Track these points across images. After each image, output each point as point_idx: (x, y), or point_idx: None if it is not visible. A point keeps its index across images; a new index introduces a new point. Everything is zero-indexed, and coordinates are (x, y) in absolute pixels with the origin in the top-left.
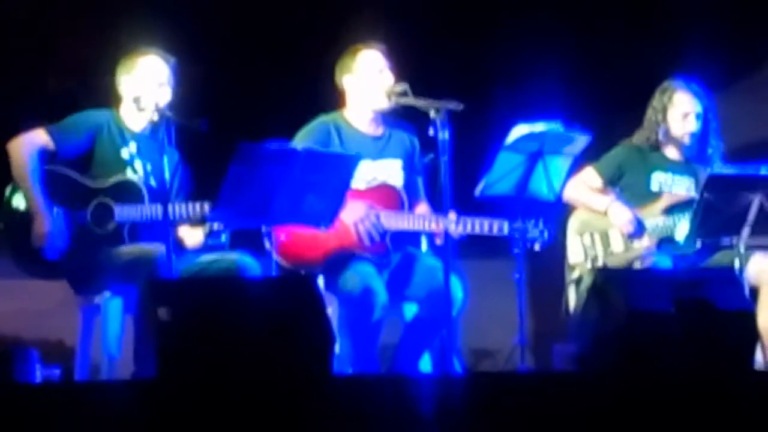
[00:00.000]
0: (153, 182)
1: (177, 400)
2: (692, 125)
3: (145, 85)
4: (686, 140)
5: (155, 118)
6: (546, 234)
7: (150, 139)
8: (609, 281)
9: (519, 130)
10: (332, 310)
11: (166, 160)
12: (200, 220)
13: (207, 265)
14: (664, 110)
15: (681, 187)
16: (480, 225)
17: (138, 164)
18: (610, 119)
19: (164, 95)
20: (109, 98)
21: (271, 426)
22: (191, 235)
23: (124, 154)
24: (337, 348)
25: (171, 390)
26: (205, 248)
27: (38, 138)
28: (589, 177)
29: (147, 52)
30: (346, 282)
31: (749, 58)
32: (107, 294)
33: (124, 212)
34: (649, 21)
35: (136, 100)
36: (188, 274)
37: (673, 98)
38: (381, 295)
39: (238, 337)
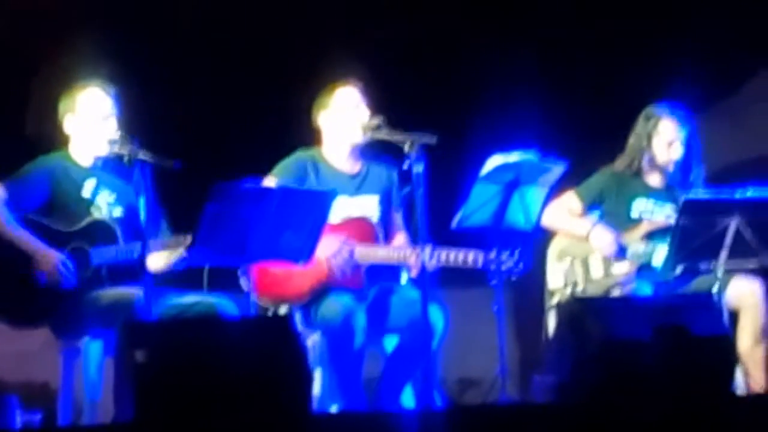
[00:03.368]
0: (117, 213)
1: None
2: (677, 153)
3: (90, 120)
4: (670, 167)
5: (105, 151)
6: (521, 265)
7: (104, 170)
8: (585, 310)
9: (494, 161)
10: (312, 344)
11: (142, 201)
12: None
13: (186, 309)
14: (649, 137)
15: (662, 214)
16: (455, 257)
17: (101, 199)
18: (588, 146)
19: (110, 126)
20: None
21: None
22: (154, 260)
23: (85, 192)
24: (319, 385)
25: None
26: (171, 274)
27: None
28: (570, 202)
29: (86, 85)
30: (326, 312)
31: (726, 81)
32: (87, 337)
33: (100, 254)
34: (623, 47)
35: (84, 137)
36: (167, 317)
37: (658, 126)
38: (360, 320)
39: (216, 378)
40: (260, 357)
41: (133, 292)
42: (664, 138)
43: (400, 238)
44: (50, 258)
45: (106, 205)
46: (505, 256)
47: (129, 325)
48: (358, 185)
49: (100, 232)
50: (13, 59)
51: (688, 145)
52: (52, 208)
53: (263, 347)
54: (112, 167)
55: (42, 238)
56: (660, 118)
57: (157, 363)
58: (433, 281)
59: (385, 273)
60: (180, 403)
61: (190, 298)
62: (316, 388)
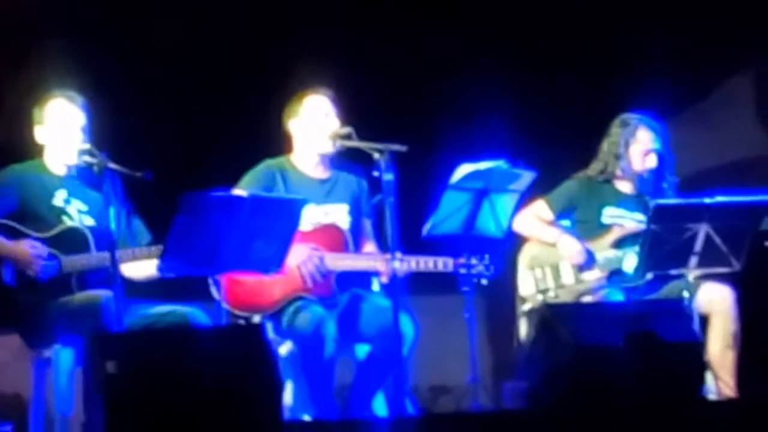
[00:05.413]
0: (89, 222)
1: None
2: (652, 162)
3: (57, 130)
4: (644, 175)
5: (76, 160)
6: (492, 269)
7: (77, 179)
8: (556, 316)
9: (463, 169)
10: (285, 353)
11: (112, 211)
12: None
13: (157, 319)
14: (626, 144)
15: (632, 221)
16: (425, 263)
17: (71, 209)
18: (557, 154)
19: (78, 136)
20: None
21: None
22: (134, 269)
23: (56, 201)
24: (291, 394)
25: None
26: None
27: None
28: (540, 209)
29: (53, 96)
30: (297, 322)
31: (694, 87)
32: (57, 346)
33: (71, 262)
34: (592, 55)
35: (54, 147)
36: (138, 327)
37: (636, 134)
38: (331, 330)
39: (186, 387)
40: (231, 366)
41: (100, 293)
42: (641, 146)
43: (370, 246)
44: (24, 251)
45: (77, 214)
46: (475, 260)
47: (98, 335)
48: (327, 192)
49: (73, 239)
50: None
51: (662, 156)
52: (23, 216)
53: (234, 357)
54: (85, 177)
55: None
56: (638, 127)
57: (127, 374)
58: (403, 290)
59: (356, 280)
60: (151, 414)
61: (162, 309)
62: (289, 397)
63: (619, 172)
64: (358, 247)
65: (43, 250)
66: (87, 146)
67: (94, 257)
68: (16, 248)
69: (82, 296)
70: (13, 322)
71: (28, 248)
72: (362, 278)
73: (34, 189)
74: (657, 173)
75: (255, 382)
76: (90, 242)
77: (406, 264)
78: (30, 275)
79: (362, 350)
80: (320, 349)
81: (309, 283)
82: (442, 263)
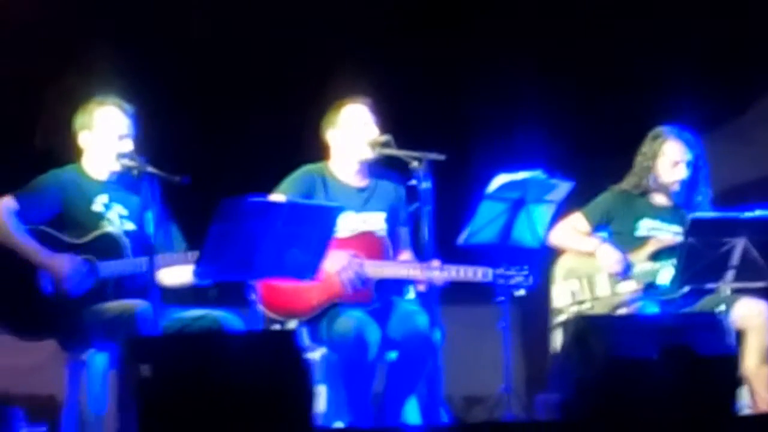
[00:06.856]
0: (129, 227)
1: None
2: (682, 173)
3: (106, 138)
4: (675, 187)
5: (118, 167)
6: (531, 279)
7: (117, 185)
8: (590, 328)
9: (500, 179)
10: (318, 359)
11: (149, 215)
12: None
13: (190, 322)
14: (654, 157)
15: (668, 233)
16: (464, 272)
17: (112, 214)
18: (594, 165)
19: (126, 146)
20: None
21: None
22: (171, 275)
23: (96, 207)
24: (324, 400)
25: None
26: (193, 291)
27: (8, 203)
28: (577, 222)
29: (104, 102)
30: (339, 327)
31: (734, 101)
32: (92, 350)
33: (106, 268)
34: (630, 67)
35: (98, 153)
36: (171, 331)
37: (664, 146)
38: (374, 334)
39: (219, 392)
40: (263, 372)
41: (135, 303)
42: (669, 158)
43: (406, 255)
44: (61, 267)
45: (118, 219)
46: (514, 270)
47: (133, 339)
48: (365, 200)
49: (109, 245)
50: (25, 73)
51: (695, 167)
52: (63, 222)
53: (266, 362)
54: (124, 182)
55: (51, 249)
56: (666, 139)
57: (161, 377)
58: (436, 298)
59: (393, 288)
60: (184, 418)
61: (194, 312)
62: (322, 403)
63: (651, 185)
64: (394, 255)
65: (81, 265)
66: (127, 150)
67: (129, 263)
68: (53, 262)
69: (117, 306)
70: (49, 328)
71: (66, 263)
72: (399, 285)
73: (75, 194)
74: (690, 185)
75: (287, 388)
76: (125, 248)
77: (446, 273)
78: (64, 289)
79: (392, 357)
80: (363, 354)
81: (349, 290)
82: (481, 273)
